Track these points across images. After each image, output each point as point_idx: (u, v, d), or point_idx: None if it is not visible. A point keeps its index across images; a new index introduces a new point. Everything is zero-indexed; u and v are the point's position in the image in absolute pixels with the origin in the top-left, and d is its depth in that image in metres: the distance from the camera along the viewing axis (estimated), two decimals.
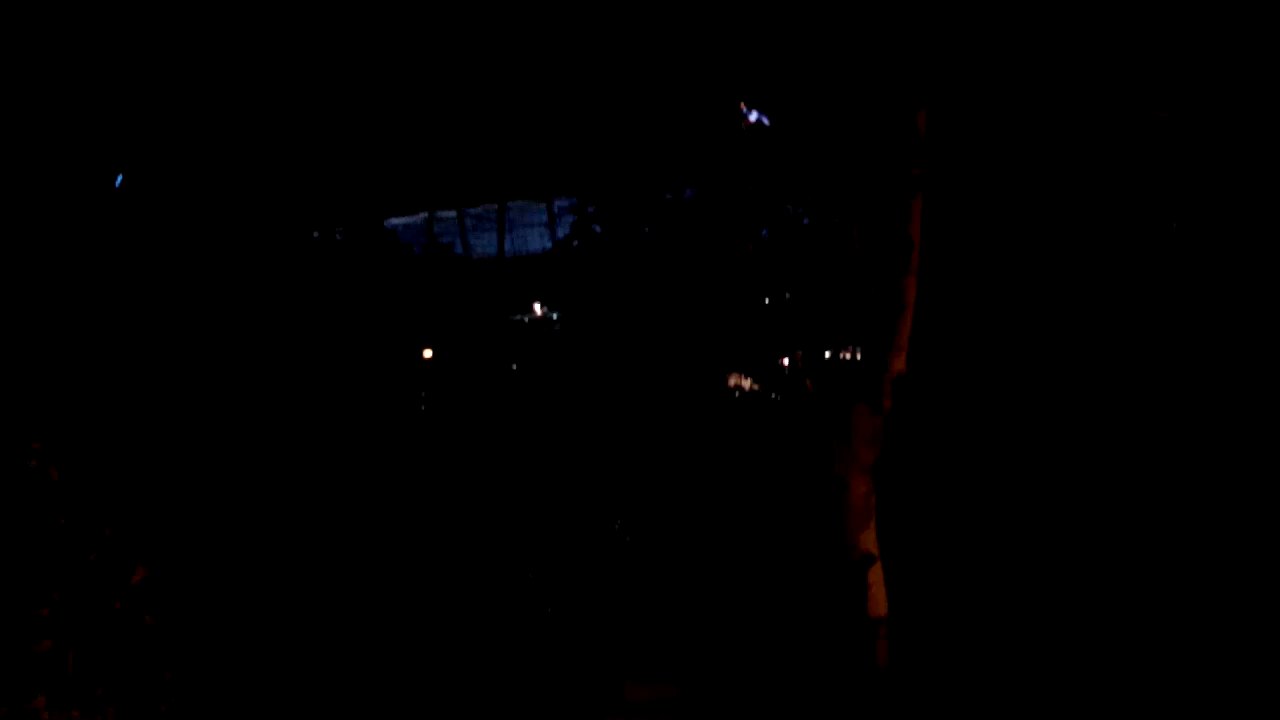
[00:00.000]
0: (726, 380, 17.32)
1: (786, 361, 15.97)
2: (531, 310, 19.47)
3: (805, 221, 16.80)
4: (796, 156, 16.13)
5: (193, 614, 11.20)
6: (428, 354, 17.65)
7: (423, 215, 21.69)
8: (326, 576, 13.62)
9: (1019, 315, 14.56)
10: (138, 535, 10.82)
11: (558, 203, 21.96)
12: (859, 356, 11.47)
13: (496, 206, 22.28)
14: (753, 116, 17.78)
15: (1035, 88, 13.26)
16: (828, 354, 13.32)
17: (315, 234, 17.99)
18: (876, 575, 11.03)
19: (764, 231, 16.87)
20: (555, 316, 19.13)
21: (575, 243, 18.87)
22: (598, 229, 18.60)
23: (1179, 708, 11.18)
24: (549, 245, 21.49)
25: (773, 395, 16.71)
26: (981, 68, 12.54)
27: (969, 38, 11.65)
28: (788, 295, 14.52)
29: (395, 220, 20.30)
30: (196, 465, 13.33)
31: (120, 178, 16.30)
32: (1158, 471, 13.29)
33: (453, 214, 22.30)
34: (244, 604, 12.49)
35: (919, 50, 10.91)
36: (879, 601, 11.03)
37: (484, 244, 22.35)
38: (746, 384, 17.19)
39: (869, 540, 11.05)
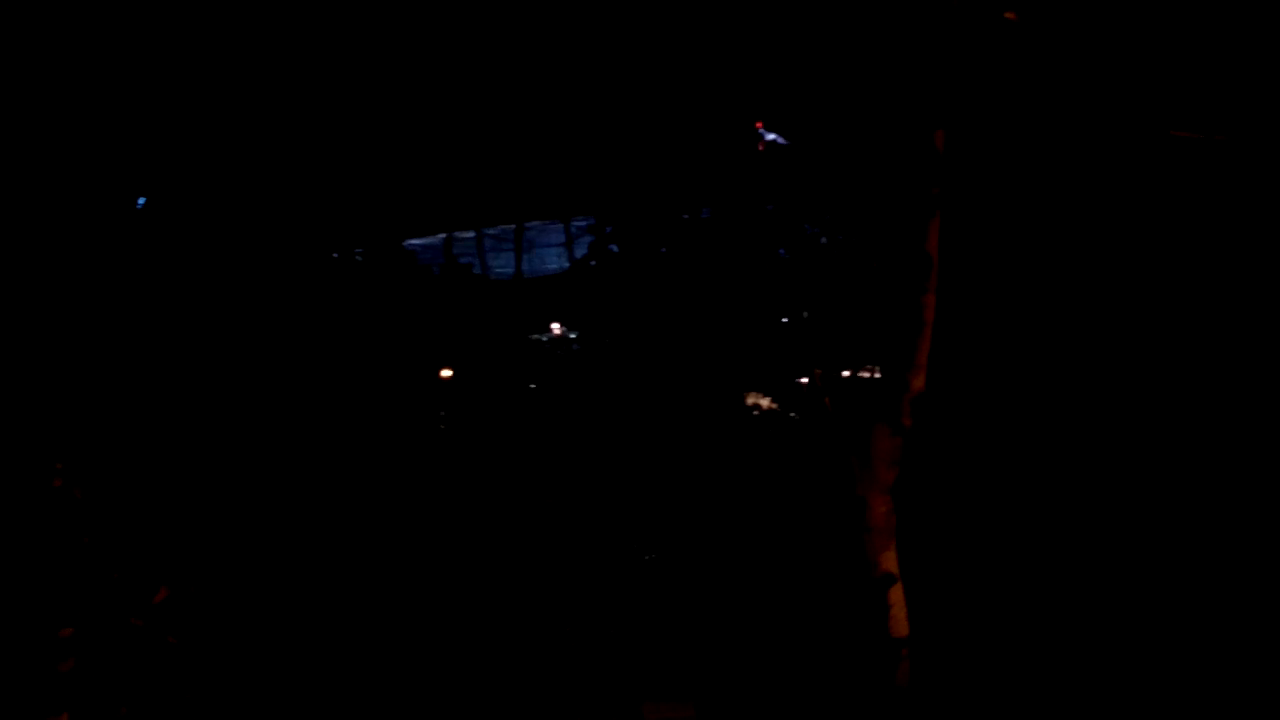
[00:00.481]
0: (745, 399, 17.32)
1: (805, 381, 15.98)
2: (550, 330, 19.51)
3: (823, 240, 16.83)
4: (814, 176, 16.19)
5: (216, 633, 11.25)
6: (447, 373, 17.71)
7: (441, 236, 21.78)
8: (345, 593, 13.66)
9: (1039, 333, 14.55)
10: (160, 554, 10.88)
11: (575, 223, 22.02)
12: (878, 375, 11.46)
13: (514, 227, 22.36)
14: (770, 136, 17.88)
15: (1054, 106, 13.28)
16: (846, 373, 13.32)
17: (335, 255, 18.09)
18: (897, 596, 11.01)
19: (782, 251, 16.92)
20: (573, 336, 19.17)
21: (593, 263, 18.92)
22: (615, 249, 18.65)
23: None
24: (566, 265, 21.53)
25: (791, 414, 16.71)
26: (1000, 86, 12.57)
27: (987, 57, 11.68)
28: (806, 314, 14.54)
29: (414, 241, 20.41)
30: (218, 484, 13.39)
31: (142, 200, 16.41)
32: (1183, 490, 13.25)
33: (471, 235, 22.39)
34: (267, 625, 12.53)
35: (936, 69, 10.94)
36: (900, 622, 11.00)
37: (502, 264, 22.42)
38: (765, 403, 17.19)
39: (890, 560, 11.03)
